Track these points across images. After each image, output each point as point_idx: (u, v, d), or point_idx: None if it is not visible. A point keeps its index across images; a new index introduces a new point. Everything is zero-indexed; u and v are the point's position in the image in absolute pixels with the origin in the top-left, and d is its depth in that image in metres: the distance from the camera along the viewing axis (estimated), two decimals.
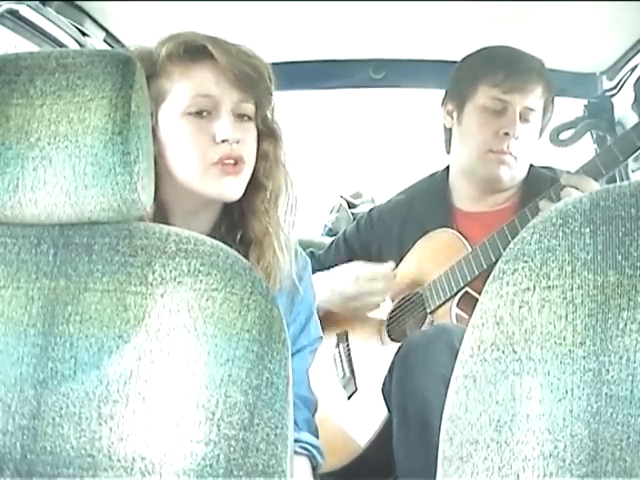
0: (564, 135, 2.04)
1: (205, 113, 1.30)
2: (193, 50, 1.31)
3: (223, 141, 1.29)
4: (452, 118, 1.88)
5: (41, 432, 0.93)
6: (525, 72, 1.78)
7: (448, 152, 1.93)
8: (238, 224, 1.36)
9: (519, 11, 1.87)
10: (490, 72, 1.79)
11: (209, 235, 1.28)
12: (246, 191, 1.34)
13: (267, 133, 1.37)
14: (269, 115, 1.38)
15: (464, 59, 1.89)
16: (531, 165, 1.91)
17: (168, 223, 1.30)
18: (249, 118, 1.34)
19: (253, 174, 1.35)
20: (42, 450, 0.93)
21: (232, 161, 1.30)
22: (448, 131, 1.91)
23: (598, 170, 1.63)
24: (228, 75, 1.30)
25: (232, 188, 1.31)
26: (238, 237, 1.35)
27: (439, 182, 1.94)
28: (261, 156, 1.36)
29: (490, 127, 1.78)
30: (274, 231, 1.35)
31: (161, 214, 1.30)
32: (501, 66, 1.79)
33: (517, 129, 1.76)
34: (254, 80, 1.31)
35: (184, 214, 1.33)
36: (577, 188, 1.61)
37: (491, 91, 1.79)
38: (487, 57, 1.84)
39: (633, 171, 2.11)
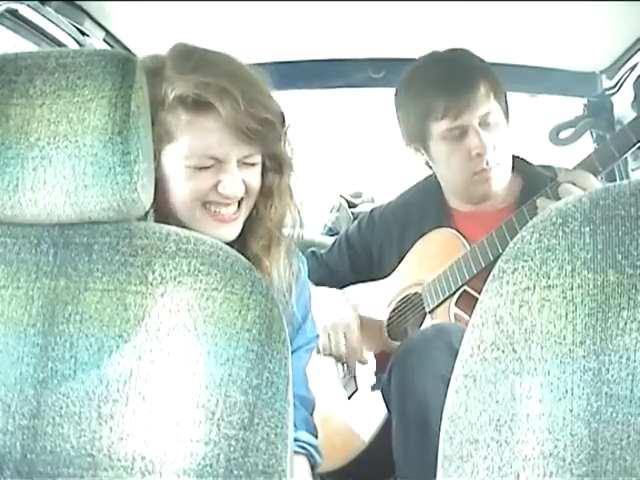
0: (564, 134, 2.04)
1: (209, 167, 1.28)
2: (201, 104, 1.25)
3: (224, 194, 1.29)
4: (422, 154, 1.86)
5: (41, 432, 0.93)
6: (461, 86, 1.74)
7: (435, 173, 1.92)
8: (236, 241, 1.33)
9: (519, 10, 1.87)
10: (430, 107, 1.75)
11: None
12: (248, 216, 1.33)
13: (273, 167, 1.35)
14: (277, 150, 1.35)
15: (398, 97, 1.86)
16: (530, 164, 1.90)
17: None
18: (254, 164, 1.32)
19: (255, 204, 1.33)
20: (42, 450, 0.93)
21: (229, 213, 1.30)
22: (427, 164, 1.89)
23: (594, 167, 1.62)
24: (234, 131, 1.26)
25: (227, 234, 1.30)
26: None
27: (433, 186, 1.93)
28: (265, 190, 1.34)
29: (461, 153, 1.75)
30: (273, 252, 1.34)
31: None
32: (437, 95, 1.74)
33: (486, 145, 1.73)
34: (262, 134, 1.27)
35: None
36: (574, 184, 1.60)
37: (441, 124, 1.75)
38: (420, 88, 1.79)
39: (633, 170, 2.11)
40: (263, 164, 1.33)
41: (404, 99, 1.85)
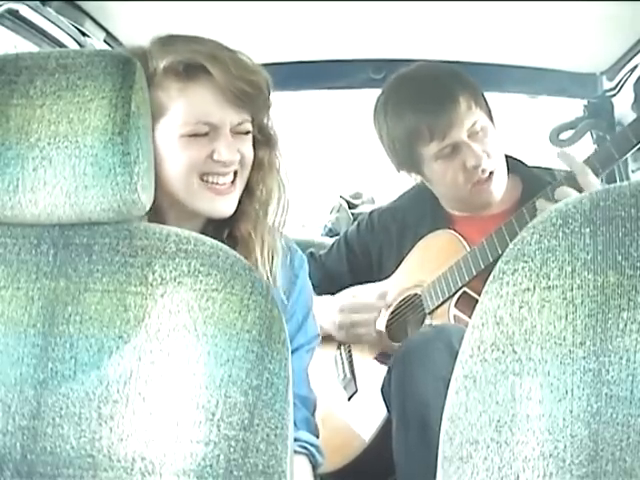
0: (564, 135, 2.04)
1: (204, 134, 1.30)
2: (192, 69, 1.29)
3: (218, 161, 1.30)
4: (416, 175, 1.84)
5: (41, 432, 0.93)
6: (443, 107, 1.71)
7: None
8: (226, 222, 1.36)
9: (519, 11, 1.87)
10: (415, 134, 1.73)
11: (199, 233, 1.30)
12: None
13: (263, 141, 1.38)
14: (265, 122, 1.38)
15: (377, 122, 1.83)
16: (528, 166, 1.90)
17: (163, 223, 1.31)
18: (247, 133, 1.34)
19: (247, 180, 1.35)
20: (42, 450, 0.93)
21: (226, 183, 1.31)
22: (422, 183, 1.88)
23: (595, 168, 1.62)
24: (227, 94, 1.29)
25: (224, 207, 1.32)
26: (225, 234, 1.36)
27: (427, 190, 1.92)
28: (256, 163, 1.36)
29: (456, 169, 1.73)
30: (261, 233, 1.35)
31: (156, 216, 1.31)
32: (419, 120, 1.71)
33: (481, 157, 1.71)
34: (253, 97, 1.31)
35: (177, 217, 1.34)
36: (574, 187, 1.60)
37: (431, 147, 1.73)
38: (399, 116, 1.77)
39: (633, 171, 2.11)
40: (254, 138, 1.35)
41: (384, 125, 1.82)
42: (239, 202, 1.35)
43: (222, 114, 1.30)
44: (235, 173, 1.33)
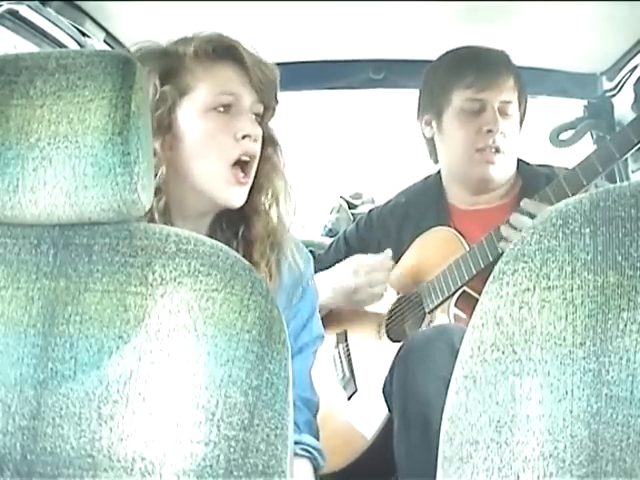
0: (564, 136, 2.04)
1: (227, 109, 1.34)
2: (221, 50, 1.35)
3: (244, 137, 1.34)
4: (431, 127, 1.90)
5: (41, 432, 0.93)
6: (494, 67, 1.81)
7: (436, 162, 1.94)
8: (239, 221, 1.38)
9: (519, 11, 1.87)
10: (460, 75, 1.81)
11: (209, 230, 1.31)
12: (249, 192, 1.37)
13: (269, 138, 1.41)
14: (270, 118, 1.42)
15: (430, 68, 1.92)
16: (528, 163, 1.91)
17: (170, 221, 1.31)
18: (259, 117, 1.38)
19: (255, 176, 1.37)
20: (42, 450, 0.93)
21: (247, 158, 1.35)
22: (430, 141, 1.93)
23: (595, 168, 1.63)
24: (251, 75, 1.35)
25: (238, 197, 1.35)
26: (240, 234, 1.37)
27: (433, 184, 1.95)
28: (264, 159, 1.39)
29: (472, 127, 1.80)
30: (278, 231, 1.38)
31: (164, 214, 1.31)
32: (469, 67, 1.81)
33: (499, 124, 1.78)
34: (269, 83, 1.37)
35: (186, 211, 1.35)
36: (571, 187, 1.63)
37: (465, 93, 1.81)
38: (453, 61, 1.87)
39: (633, 172, 2.11)
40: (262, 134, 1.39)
41: (435, 70, 1.90)
42: (250, 200, 1.37)
43: (244, 89, 1.35)
44: (245, 166, 1.36)
